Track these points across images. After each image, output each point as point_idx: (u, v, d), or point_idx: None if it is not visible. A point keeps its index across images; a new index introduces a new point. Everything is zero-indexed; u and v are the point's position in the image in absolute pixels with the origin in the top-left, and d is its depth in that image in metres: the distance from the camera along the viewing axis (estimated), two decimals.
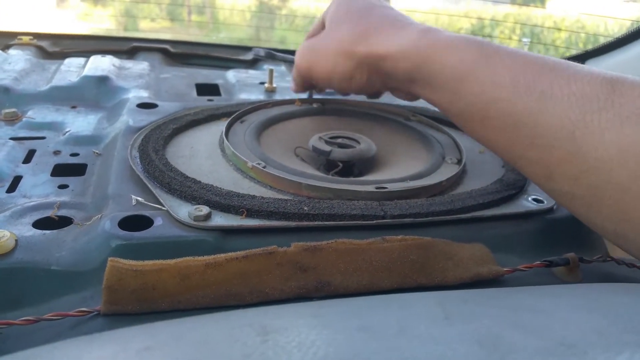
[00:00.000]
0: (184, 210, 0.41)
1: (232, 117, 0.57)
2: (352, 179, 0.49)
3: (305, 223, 0.41)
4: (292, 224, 0.41)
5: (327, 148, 0.53)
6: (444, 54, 0.43)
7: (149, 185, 0.44)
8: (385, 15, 0.50)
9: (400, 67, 0.46)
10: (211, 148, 0.53)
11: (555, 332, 0.21)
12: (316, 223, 0.41)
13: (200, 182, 0.44)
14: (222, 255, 0.35)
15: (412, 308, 0.23)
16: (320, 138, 0.54)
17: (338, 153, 0.53)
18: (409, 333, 0.19)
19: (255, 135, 0.55)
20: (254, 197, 0.43)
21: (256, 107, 0.61)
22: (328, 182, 0.46)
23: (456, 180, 0.50)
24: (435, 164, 0.52)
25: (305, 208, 0.42)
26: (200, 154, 0.52)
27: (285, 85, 0.78)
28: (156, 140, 0.52)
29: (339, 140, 0.55)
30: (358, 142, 0.55)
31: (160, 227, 0.39)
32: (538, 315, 0.23)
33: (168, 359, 0.18)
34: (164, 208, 0.41)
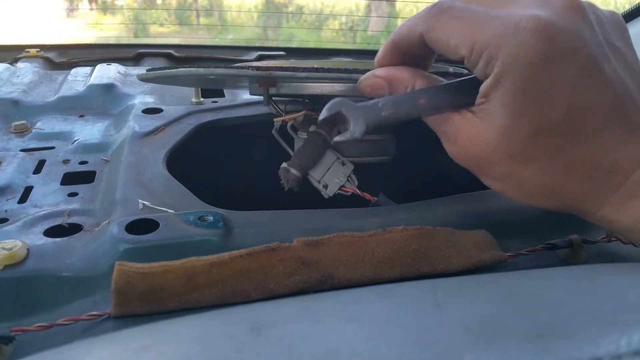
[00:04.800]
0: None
1: None
2: None
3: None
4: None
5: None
6: None
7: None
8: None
9: None
10: None
11: (545, 314, 0.21)
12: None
13: None
14: (226, 253, 0.36)
15: (405, 297, 0.23)
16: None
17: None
18: (397, 321, 0.20)
19: None
20: None
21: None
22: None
23: None
24: None
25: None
26: None
27: None
28: None
29: None
30: None
31: (166, 230, 0.40)
32: (531, 299, 0.23)
33: (163, 356, 0.19)
34: (170, 211, 0.42)
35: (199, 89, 0.69)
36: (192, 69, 0.46)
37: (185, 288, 0.35)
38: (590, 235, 0.42)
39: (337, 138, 0.35)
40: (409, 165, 0.65)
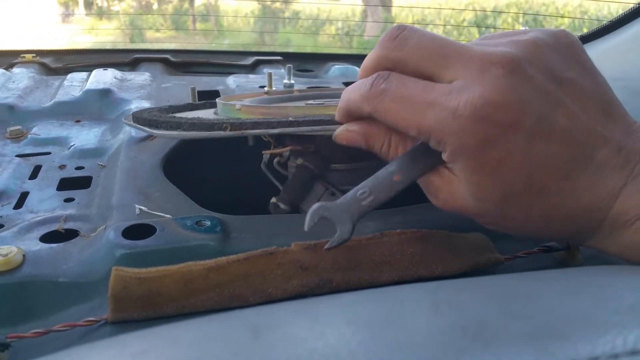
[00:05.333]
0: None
1: None
2: None
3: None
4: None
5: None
6: None
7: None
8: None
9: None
10: None
11: (542, 316, 0.21)
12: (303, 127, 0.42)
13: None
14: (224, 258, 0.36)
15: (402, 300, 0.23)
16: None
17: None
18: (395, 324, 0.20)
19: None
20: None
21: None
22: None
23: None
24: None
25: (290, 118, 0.43)
26: None
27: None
28: None
29: None
30: None
31: (163, 235, 0.40)
32: (527, 301, 0.23)
33: None
34: (166, 216, 0.42)
35: (195, 93, 0.69)
36: (166, 132, 0.47)
37: (183, 293, 0.34)
38: None
39: (327, 246, 0.35)
40: None
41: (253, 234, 0.41)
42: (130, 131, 0.59)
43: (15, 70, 0.90)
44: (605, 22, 0.69)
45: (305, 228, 0.35)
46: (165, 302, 0.34)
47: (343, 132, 0.38)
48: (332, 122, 0.40)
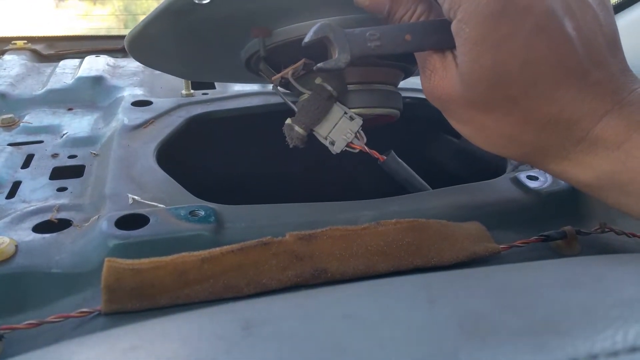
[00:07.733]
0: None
1: None
2: None
3: None
4: None
5: None
6: None
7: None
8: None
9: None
10: None
11: (540, 310, 0.21)
12: None
13: None
14: (218, 249, 0.36)
15: (397, 293, 0.23)
16: None
17: None
18: (390, 319, 0.19)
19: None
20: None
21: None
22: None
23: None
24: None
25: None
26: None
27: None
28: None
29: None
30: None
31: (156, 225, 0.39)
32: (525, 294, 0.23)
33: (152, 357, 0.18)
34: (160, 205, 0.42)
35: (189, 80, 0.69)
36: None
37: (177, 284, 0.34)
38: (583, 226, 0.42)
39: (320, 65, 0.34)
40: (403, 158, 0.65)
41: (247, 224, 0.41)
42: (123, 119, 0.58)
43: (6, 57, 0.88)
44: None
45: (306, 39, 0.34)
46: (159, 293, 0.34)
47: None
48: None
